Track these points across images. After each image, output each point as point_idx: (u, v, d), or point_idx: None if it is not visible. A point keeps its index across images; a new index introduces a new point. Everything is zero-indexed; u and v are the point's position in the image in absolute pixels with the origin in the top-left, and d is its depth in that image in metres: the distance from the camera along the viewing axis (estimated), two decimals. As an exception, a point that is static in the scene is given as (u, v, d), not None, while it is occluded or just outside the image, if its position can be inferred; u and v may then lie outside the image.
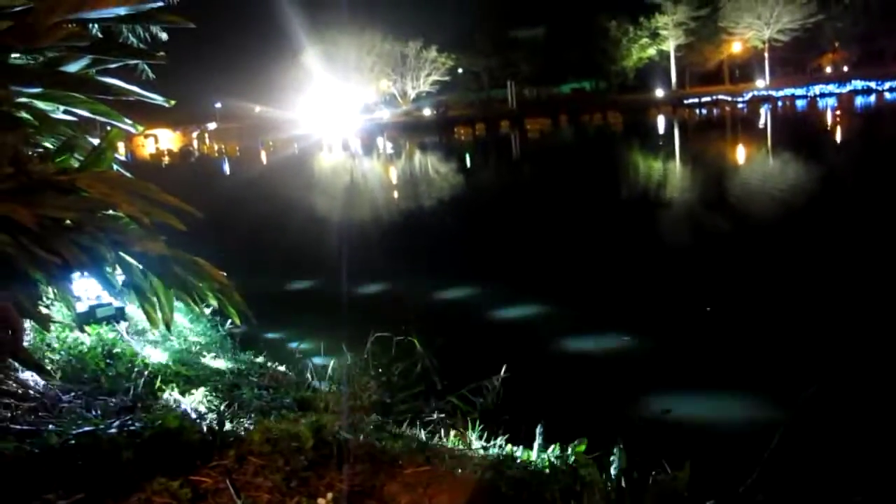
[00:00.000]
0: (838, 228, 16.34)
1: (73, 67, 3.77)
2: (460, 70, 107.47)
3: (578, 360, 9.80)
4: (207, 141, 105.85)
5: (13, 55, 3.61)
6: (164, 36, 7.25)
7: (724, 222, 19.18)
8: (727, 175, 29.10)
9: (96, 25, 5.38)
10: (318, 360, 8.41)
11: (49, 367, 5.56)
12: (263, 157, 70.89)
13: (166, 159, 77.05)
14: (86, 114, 3.90)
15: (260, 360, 8.50)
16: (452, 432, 4.73)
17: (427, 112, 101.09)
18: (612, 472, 4.10)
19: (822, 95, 78.75)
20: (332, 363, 7.69)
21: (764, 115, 64.72)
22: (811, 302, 11.09)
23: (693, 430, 7.08)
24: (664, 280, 13.16)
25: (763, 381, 8.33)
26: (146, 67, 8.10)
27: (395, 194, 32.34)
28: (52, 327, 6.54)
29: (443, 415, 5.86)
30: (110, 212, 3.42)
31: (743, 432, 6.82)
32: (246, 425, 4.93)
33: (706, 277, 13.08)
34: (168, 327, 3.62)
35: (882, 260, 13.18)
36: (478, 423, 5.37)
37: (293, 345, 10.01)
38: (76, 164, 3.66)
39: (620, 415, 7.51)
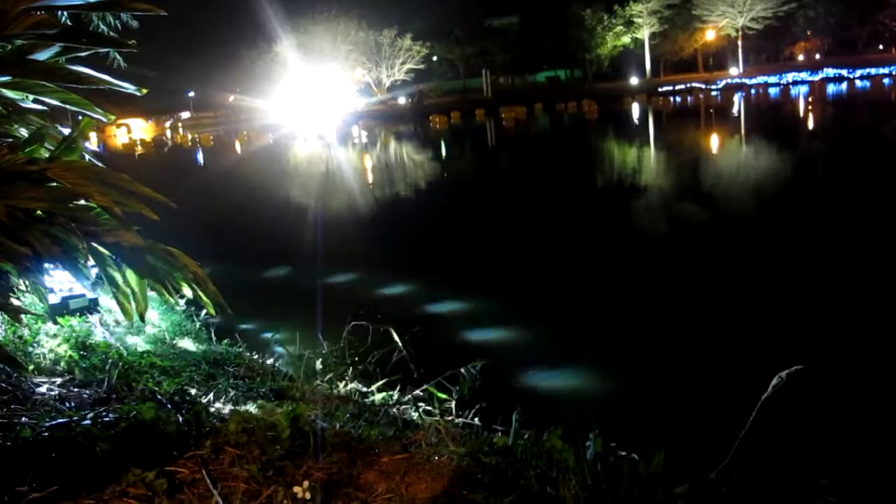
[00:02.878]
0: (809, 212, 16.53)
1: (42, 56, 3.71)
2: (435, 58, 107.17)
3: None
4: (181, 130, 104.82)
5: (-20, 44, 3.56)
6: (134, 24, 7.19)
7: (694, 208, 19.33)
8: (699, 162, 29.31)
9: (65, 13, 5.31)
10: (293, 345, 8.41)
11: (21, 360, 5.50)
12: (238, 146, 70.38)
13: (139, 149, 76.19)
14: (56, 103, 3.84)
15: (236, 349, 8.48)
16: (429, 420, 4.74)
17: (402, 101, 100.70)
18: (588, 456, 4.13)
19: (795, 83, 79.46)
20: (308, 352, 7.69)
21: (738, 103, 65.19)
22: (779, 284, 11.23)
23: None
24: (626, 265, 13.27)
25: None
26: (117, 56, 8.03)
27: (370, 185, 32.22)
28: (25, 319, 6.49)
29: (420, 403, 5.88)
30: (82, 202, 3.38)
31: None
32: (222, 415, 4.92)
33: (676, 263, 13.19)
34: (142, 318, 3.59)
35: (847, 239, 13.39)
36: (454, 410, 5.39)
37: (269, 334, 9.98)
38: (47, 155, 3.62)
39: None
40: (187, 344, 8.17)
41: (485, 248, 15.98)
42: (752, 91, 78.54)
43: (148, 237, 3.46)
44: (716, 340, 9.31)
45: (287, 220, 23.08)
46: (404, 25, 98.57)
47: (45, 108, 4.07)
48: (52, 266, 3.78)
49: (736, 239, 14.83)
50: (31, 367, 5.50)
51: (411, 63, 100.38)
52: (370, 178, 34.14)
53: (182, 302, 9.08)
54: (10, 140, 3.88)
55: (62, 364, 5.89)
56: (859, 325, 9.43)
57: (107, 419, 4.18)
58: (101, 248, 3.33)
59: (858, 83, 74.15)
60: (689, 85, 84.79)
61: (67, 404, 4.87)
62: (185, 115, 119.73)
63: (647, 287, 11.90)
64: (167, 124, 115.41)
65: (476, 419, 5.21)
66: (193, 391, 5.81)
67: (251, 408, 5.32)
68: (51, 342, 6.41)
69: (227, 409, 5.29)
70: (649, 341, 9.55)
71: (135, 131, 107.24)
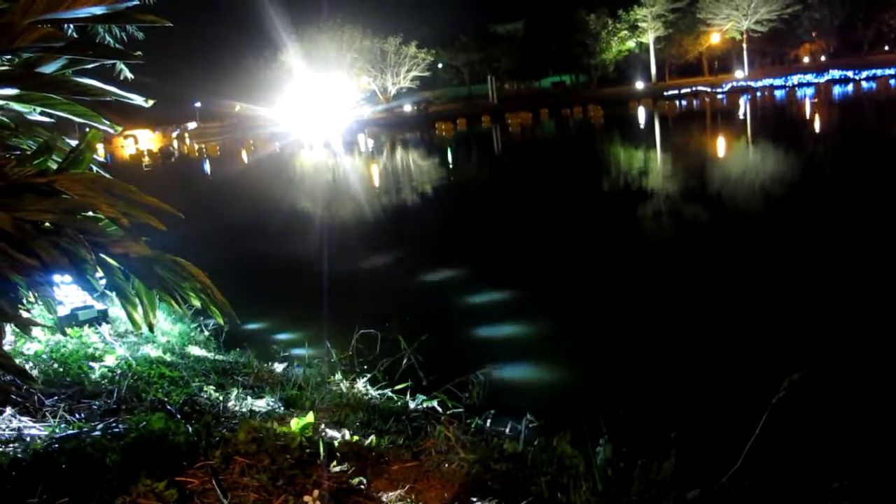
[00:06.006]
0: (820, 216, 16.48)
1: (49, 68, 3.73)
2: (440, 65, 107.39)
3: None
4: (188, 141, 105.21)
5: (-12, 57, 3.58)
6: (140, 35, 7.21)
7: (705, 212, 19.29)
8: (707, 166, 29.23)
9: (72, 26, 5.34)
10: (302, 353, 8.41)
11: (31, 371, 5.52)
12: (244, 156, 70.55)
13: (146, 160, 76.45)
14: (63, 115, 3.86)
15: (245, 358, 8.48)
16: (439, 427, 4.74)
17: (408, 108, 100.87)
18: (599, 462, 4.12)
19: (801, 85, 79.35)
20: (317, 360, 7.69)
21: (743, 106, 65.02)
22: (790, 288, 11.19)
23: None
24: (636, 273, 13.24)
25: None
26: (124, 67, 8.06)
27: (378, 192, 32.23)
28: (34, 331, 6.51)
29: (429, 410, 5.87)
30: (90, 213, 3.39)
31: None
32: (232, 425, 4.92)
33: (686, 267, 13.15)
34: (151, 329, 3.60)
35: (854, 240, 13.35)
36: (464, 417, 5.38)
37: (278, 340, 9.99)
38: (54, 166, 3.64)
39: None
40: (196, 353, 8.19)
41: (497, 253, 15.99)
42: (758, 94, 78.41)
43: (156, 248, 3.47)
44: (728, 342, 9.28)
45: (295, 228, 23.12)
46: (409, 33, 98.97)
47: (52, 120, 4.09)
48: (61, 278, 3.80)
49: (746, 242, 14.79)
50: (41, 379, 5.51)
51: (416, 70, 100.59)
52: (377, 186, 34.18)
53: (190, 312, 9.10)
54: (18, 152, 3.90)
55: (71, 375, 5.90)
56: (871, 326, 9.39)
57: (117, 430, 4.19)
58: (109, 259, 3.34)
59: (864, 84, 74.00)
60: (694, 88, 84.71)
61: (77, 415, 4.88)
62: (192, 125, 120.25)
63: (658, 290, 11.87)
64: (174, 134, 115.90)
65: (486, 426, 5.19)
66: (203, 401, 5.82)
67: (260, 417, 5.32)
68: (60, 353, 6.43)
69: (237, 418, 5.29)
70: (657, 344, 9.52)
71: (142, 142, 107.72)
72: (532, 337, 10.31)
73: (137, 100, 4.08)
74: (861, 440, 6.41)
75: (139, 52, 4.09)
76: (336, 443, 4.19)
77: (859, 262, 12.35)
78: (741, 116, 56.23)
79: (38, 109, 3.88)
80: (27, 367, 5.66)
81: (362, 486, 3.74)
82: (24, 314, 3.61)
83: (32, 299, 3.71)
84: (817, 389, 7.02)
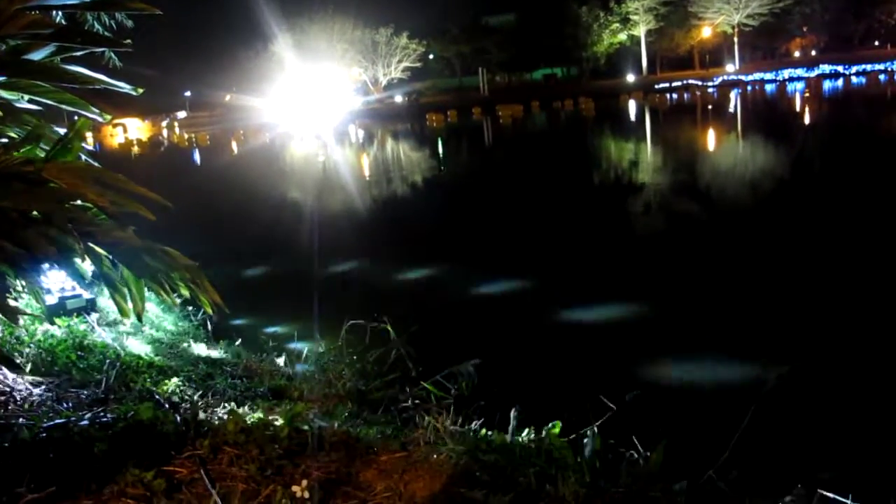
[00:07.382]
0: (806, 207, 16.56)
1: (37, 56, 3.70)
2: (432, 57, 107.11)
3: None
4: (177, 130, 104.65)
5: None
6: (129, 23, 7.18)
7: (690, 203, 19.35)
8: (696, 159, 29.30)
9: (60, 13, 5.30)
10: (292, 346, 8.40)
11: (19, 361, 5.49)
12: (234, 146, 70.25)
13: (136, 149, 76.08)
14: (51, 103, 3.83)
15: (234, 349, 8.47)
16: (427, 418, 4.74)
17: (399, 99, 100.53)
18: (587, 453, 4.13)
19: (791, 80, 79.53)
20: (305, 351, 7.68)
21: (734, 100, 65.16)
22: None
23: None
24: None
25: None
26: (113, 55, 8.01)
27: (368, 183, 32.18)
28: (22, 320, 6.48)
29: (417, 401, 5.87)
30: (79, 203, 3.38)
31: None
32: (220, 415, 4.91)
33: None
34: (140, 318, 3.58)
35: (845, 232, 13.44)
36: (452, 408, 5.38)
37: (267, 331, 9.97)
38: (42, 155, 3.61)
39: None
40: (185, 344, 8.17)
41: (483, 243, 16.00)
42: (749, 88, 78.59)
43: (146, 237, 3.46)
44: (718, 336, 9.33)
45: (284, 218, 23.07)
46: (400, 23, 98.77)
47: (40, 108, 4.06)
48: (49, 266, 3.78)
49: (731, 234, 14.84)
50: (29, 368, 5.49)
51: (408, 61, 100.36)
52: (367, 177, 34.11)
53: (179, 301, 9.06)
54: (6, 141, 3.88)
55: (59, 365, 5.88)
56: (857, 319, 9.44)
57: (104, 419, 4.17)
58: (98, 249, 3.32)
59: (854, 79, 74.28)
60: (685, 82, 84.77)
61: (65, 405, 4.86)
62: (182, 114, 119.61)
63: (644, 282, 11.90)
64: (163, 124, 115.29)
65: (474, 417, 5.20)
66: (191, 391, 5.81)
67: (249, 407, 5.31)
68: (48, 343, 6.40)
69: (226, 408, 5.29)
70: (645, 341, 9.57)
71: (131, 131, 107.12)
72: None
73: (126, 88, 4.06)
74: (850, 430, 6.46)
75: (128, 40, 4.06)
76: (325, 433, 4.19)
77: (840, 247, 12.45)
78: (731, 110, 56.35)
79: (26, 97, 3.85)
80: (14, 355, 5.63)
81: (350, 477, 3.75)
82: (12, 303, 3.59)
83: (20, 288, 3.69)
84: (806, 381, 7.07)
